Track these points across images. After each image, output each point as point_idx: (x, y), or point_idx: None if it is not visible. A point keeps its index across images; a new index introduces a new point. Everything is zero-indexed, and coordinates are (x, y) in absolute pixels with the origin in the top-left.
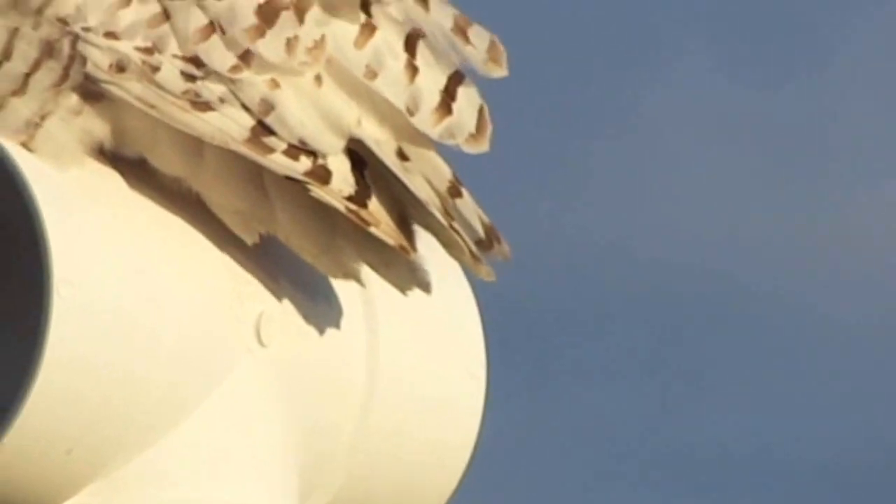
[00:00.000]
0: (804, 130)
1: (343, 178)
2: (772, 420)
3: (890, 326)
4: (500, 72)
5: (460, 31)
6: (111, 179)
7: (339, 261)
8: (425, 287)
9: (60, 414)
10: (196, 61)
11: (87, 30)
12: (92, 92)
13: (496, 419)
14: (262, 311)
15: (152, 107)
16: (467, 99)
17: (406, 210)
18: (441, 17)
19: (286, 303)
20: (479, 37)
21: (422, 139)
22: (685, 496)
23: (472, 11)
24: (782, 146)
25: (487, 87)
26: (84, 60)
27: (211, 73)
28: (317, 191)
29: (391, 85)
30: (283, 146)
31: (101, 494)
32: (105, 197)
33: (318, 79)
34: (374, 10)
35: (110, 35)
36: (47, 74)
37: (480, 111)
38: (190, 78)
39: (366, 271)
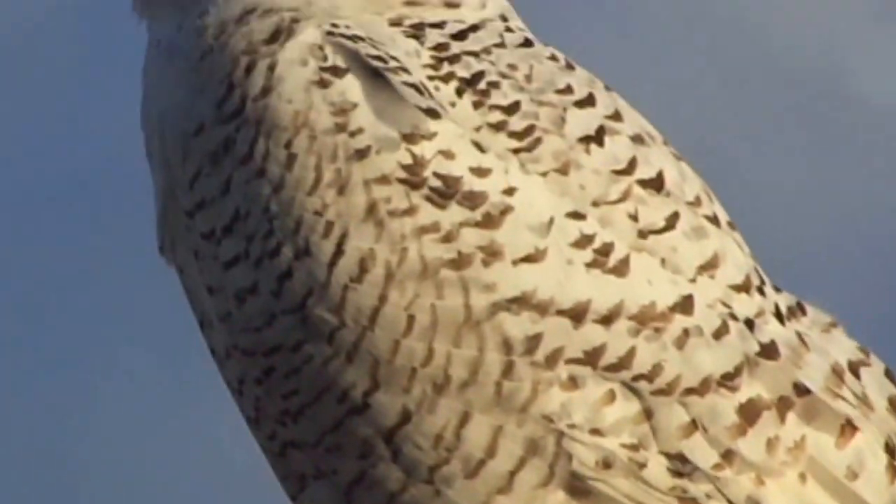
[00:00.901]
0: None
1: None
2: None
3: None
4: None
5: None
6: None
7: None
8: None
9: None
10: (680, 458)
11: (572, 426)
12: (579, 489)
13: None
14: None
15: (639, 503)
16: None
17: None
18: None
19: None
20: None
21: None
22: None
23: None
24: None
25: None
26: (570, 457)
27: (695, 470)
28: None
29: (872, 486)
30: None
31: None
32: None
33: (802, 477)
34: (853, 413)
35: (595, 432)
36: (533, 472)
37: None
38: (676, 474)
39: None
